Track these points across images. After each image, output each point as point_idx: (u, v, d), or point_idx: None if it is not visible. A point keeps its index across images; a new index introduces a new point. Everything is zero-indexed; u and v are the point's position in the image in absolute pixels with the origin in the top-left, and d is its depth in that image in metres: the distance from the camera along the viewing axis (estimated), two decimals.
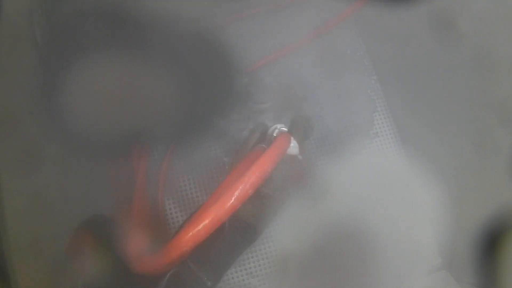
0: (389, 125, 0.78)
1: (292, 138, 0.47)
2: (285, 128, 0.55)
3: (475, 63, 0.55)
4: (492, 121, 0.54)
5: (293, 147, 0.47)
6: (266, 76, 0.72)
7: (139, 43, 0.48)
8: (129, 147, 0.57)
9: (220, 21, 0.71)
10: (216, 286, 0.42)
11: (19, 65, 0.41)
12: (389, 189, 0.74)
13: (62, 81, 0.42)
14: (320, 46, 0.78)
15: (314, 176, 0.63)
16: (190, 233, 0.32)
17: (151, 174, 0.68)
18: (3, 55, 0.40)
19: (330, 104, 0.76)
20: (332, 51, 0.79)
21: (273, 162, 0.36)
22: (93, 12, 0.43)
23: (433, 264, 0.65)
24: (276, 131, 0.54)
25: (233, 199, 0.32)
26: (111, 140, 0.47)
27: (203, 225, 0.31)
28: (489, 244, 0.44)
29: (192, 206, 0.68)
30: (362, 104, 0.78)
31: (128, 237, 0.45)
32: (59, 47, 0.42)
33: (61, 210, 0.43)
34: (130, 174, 0.66)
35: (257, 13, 0.80)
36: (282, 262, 0.61)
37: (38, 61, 0.42)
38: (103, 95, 0.45)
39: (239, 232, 0.42)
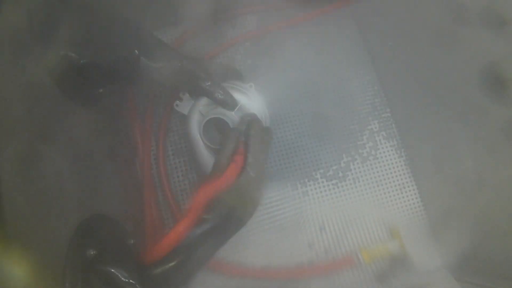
0: (388, 124, 0.78)
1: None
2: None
3: (474, 67, 0.55)
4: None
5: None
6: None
7: None
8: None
9: None
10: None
11: (18, 64, 0.41)
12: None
13: None
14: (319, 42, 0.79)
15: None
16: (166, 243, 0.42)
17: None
18: (3, 55, 0.40)
19: (328, 94, 0.77)
20: (331, 45, 0.80)
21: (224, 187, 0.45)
22: None
23: (433, 263, 0.65)
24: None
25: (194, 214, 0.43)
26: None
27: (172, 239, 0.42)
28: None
29: None
30: (360, 94, 0.79)
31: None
32: None
33: (61, 210, 0.43)
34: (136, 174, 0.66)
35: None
36: None
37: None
38: None
39: (226, 225, 0.46)
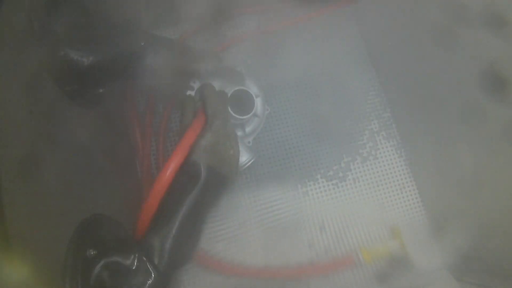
0: (387, 123, 0.78)
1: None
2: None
3: (474, 67, 0.55)
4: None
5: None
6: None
7: None
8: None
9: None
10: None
11: (18, 64, 0.41)
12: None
13: None
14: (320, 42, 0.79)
15: None
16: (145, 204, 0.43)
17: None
18: (3, 55, 0.40)
19: (328, 94, 0.77)
20: (331, 45, 0.80)
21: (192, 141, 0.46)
22: None
23: (433, 263, 0.65)
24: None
25: (167, 175, 0.44)
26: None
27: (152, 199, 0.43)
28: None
29: None
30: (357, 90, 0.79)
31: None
32: None
33: (61, 210, 0.43)
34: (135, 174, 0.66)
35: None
36: None
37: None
38: None
39: (213, 185, 0.47)
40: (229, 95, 0.58)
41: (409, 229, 0.71)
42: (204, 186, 0.45)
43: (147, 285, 0.39)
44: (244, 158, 0.58)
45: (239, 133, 0.63)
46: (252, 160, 0.59)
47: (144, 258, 0.39)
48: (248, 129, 0.64)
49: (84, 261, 0.38)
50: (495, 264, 0.58)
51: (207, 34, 0.76)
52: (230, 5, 0.77)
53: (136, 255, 0.39)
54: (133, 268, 0.39)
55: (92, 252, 0.39)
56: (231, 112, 0.58)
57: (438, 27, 0.60)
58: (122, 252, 0.39)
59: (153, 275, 0.39)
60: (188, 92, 0.60)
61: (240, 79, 0.62)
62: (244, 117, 0.58)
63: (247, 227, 0.69)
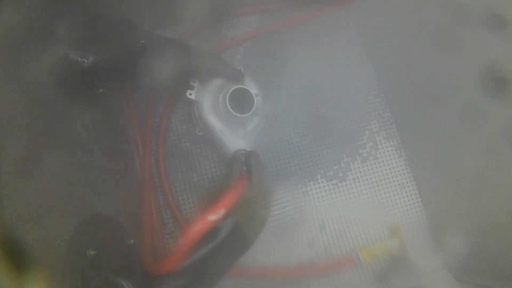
0: (388, 124, 0.78)
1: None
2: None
3: (474, 67, 0.55)
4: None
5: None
6: None
7: None
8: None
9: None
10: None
11: (18, 64, 0.41)
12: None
13: None
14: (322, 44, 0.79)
15: None
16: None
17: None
18: (3, 55, 0.40)
19: (328, 94, 0.77)
20: (331, 45, 0.80)
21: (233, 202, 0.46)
22: None
23: (433, 263, 0.66)
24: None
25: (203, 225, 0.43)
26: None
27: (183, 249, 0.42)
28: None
29: None
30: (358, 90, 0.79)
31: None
32: None
33: (61, 210, 0.43)
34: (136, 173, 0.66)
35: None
36: None
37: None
38: None
39: (234, 241, 0.46)
40: (228, 93, 0.57)
41: (409, 229, 0.71)
42: (222, 246, 0.44)
43: None
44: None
45: (240, 132, 0.63)
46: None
47: None
48: (248, 129, 0.64)
49: (84, 261, 0.38)
50: (495, 264, 0.58)
51: (207, 34, 0.76)
52: (230, 5, 0.77)
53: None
54: None
55: (92, 252, 0.39)
56: (231, 110, 0.58)
57: (438, 27, 0.60)
58: (127, 276, 0.40)
59: None
60: (188, 91, 0.60)
61: (240, 78, 0.62)
62: (244, 115, 0.58)
63: None
